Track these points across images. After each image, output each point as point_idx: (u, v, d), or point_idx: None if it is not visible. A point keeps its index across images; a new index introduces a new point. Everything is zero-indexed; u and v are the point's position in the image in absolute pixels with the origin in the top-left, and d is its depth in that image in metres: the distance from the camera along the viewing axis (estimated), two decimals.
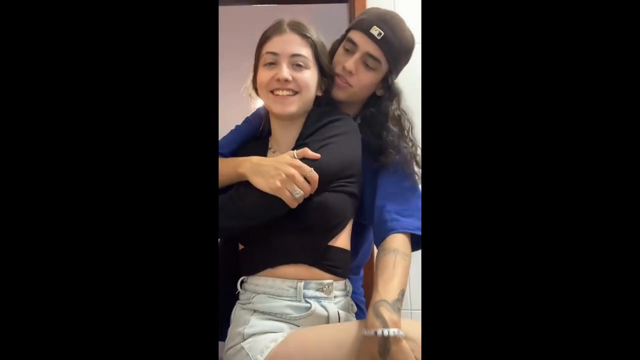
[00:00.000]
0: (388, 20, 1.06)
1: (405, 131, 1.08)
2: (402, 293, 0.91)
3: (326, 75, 1.05)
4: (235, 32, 2.35)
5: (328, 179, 0.94)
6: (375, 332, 0.82)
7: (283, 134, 1.05)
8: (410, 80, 1.31)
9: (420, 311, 1.47)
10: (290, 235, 0.95)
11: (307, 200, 0.93)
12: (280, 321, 0.93)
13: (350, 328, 0.89)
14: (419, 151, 1.08)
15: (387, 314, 0.84)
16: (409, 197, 1.04)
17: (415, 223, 1.00)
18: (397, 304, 0.87)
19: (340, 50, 1.09)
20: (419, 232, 0.99)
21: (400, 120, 1.08)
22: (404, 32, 1.08)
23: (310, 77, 1.01)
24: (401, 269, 0.93)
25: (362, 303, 1.21)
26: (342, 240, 1.00)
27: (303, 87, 0.99)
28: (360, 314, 1.10)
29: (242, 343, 0.90)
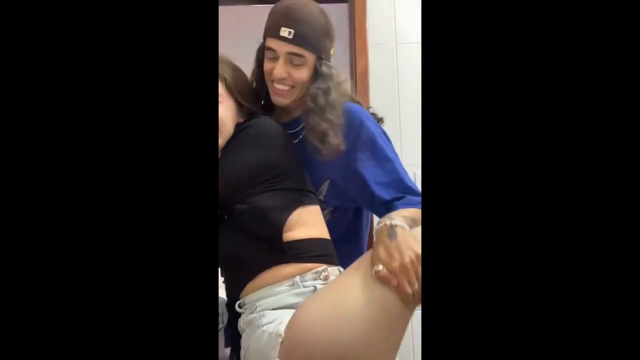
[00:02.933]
0: (291, 15, 1.04)
1: (319, 107, 1.05)
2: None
3: (244, 104, 1.07)
4: (235, 32, 2.34)
5: (240, 187, 0.99)
6: (385, 224, 0.91)
7: None
8: (410, 80, 1.32)
9: (420, 310, 1.47)
10: (248, 245, 1.00)
11: (243, 209, 0.98)
12: (292, 308, 0.95)
13: (358, 264, 0.94)
14: (328, 125, 1.05)
15: (394, 215, 0.94)
16: (385, 167, 1.08)
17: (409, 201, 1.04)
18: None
19: (266, 60, 1.09)
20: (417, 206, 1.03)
21: (315, 97, 1.06)
22: (312, 17, 1.05)
23: (224, 111, 1.03)
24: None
25: None
26: (308, 231, 1.02)
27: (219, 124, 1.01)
28: None
29: (262, 327, 0.94)
